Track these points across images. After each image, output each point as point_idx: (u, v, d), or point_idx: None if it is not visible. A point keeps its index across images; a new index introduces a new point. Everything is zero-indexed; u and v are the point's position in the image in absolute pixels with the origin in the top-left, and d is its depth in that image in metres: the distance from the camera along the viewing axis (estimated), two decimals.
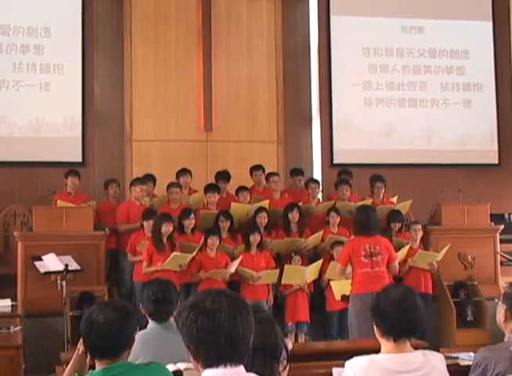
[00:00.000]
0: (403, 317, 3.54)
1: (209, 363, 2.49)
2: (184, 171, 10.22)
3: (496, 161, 13.23)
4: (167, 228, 8.60)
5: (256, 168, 10.54)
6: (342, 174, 10.96)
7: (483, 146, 13.15)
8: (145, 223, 8.97)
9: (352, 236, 8.90)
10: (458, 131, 13.05)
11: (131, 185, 9.89)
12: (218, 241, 8.79)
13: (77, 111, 11.65)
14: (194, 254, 8.60)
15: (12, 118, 11.40)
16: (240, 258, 8.71)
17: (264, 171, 10.53)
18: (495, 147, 13.24)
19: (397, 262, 8.08)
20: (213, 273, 8.59)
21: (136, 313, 3.71)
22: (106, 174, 11.04)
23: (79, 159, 11.52)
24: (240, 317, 2.49)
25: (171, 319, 4.52)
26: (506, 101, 13.39)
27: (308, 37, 12.93)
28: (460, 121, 13.08)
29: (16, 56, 11.54)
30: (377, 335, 3.63)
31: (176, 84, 12.23)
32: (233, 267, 8.63)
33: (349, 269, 8.11)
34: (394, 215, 9.63)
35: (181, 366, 3.68)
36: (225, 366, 2.48)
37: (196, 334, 2.48)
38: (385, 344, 3.58)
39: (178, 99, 12.21)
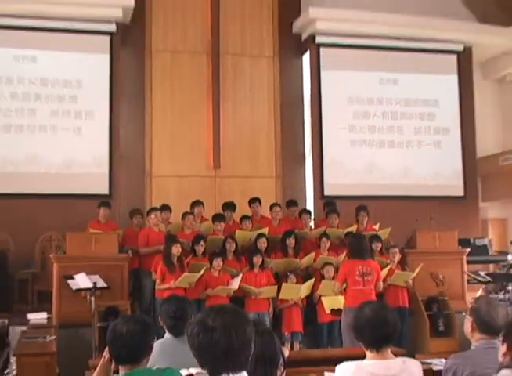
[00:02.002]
0: (377, 333, 3.49)
1: (214, 372, 2.48)
2: (197, 203, 10.20)
3: (462, 194, 13.26)
4: (176, 249, 8.60)
5: (253, 201, 10.52)
6: (327, 205, 10.96)
7: (451, 181, 13.18)
8: None
9: (341, 257, 8.98)
10: (429, 169, 13.08)
11: (147, 214, 9.89)
12: (221, 263, 8.79)
13: (104, 151, 11.67)
14: (202, 273, 8.57)
15: (49, 157, 11.43)
16: (240, 275, 8.71)
17: (260, 203, 10.49)
18: (461, 182, 13.28)
19: (381, 282, 8.20)
20: (218, 290, 8.57)
21: (154, 326, 3.69)
22: (129, 205, 11.02)
23: (106, 192, 11.51)
24: (236, 332, 2.47)
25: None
26: (470, 143, 13.46)
27: (302, 88, 13.01)
28: (431, 160, 13.11)
29: (53, 104, 11.58)
30: (362, 347, 3.59)
31: (189, 128, 12.29)
32: (235, 284, 8.62)
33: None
34: (374, 237, 9.61)
35: (193, 370, 3.64)
36: (228, 374, 2.46)
37: (198, 347, 2.48)
38: (369, 353, 3.55)
39: (192, 141, 12.25)
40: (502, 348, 3.20)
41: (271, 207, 10.39)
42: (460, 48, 13.47)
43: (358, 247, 7.97)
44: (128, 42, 12.14)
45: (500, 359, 3.21)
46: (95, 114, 11.71)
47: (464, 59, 13.56)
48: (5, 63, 11.46)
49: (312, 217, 10.76)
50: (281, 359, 3.18)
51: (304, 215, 10.38)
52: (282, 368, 3.18)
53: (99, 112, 11.73)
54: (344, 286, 7.97)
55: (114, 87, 11.84)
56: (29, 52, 11.56)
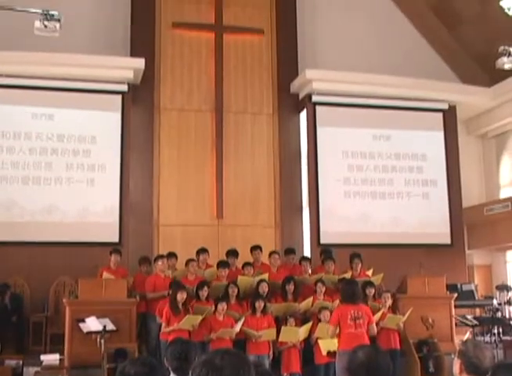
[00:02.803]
0: None
1: None
2: (203, 250, 10.15)
3: (449, 242, 13.23)
4: (181, 296, 8.56)
5: (255, 248, 10.49)
6: (324, 252, 10.93)
7: (438, 230, 13.16)
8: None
9: (336, 302, 8.89)
10: (418, 218, 13.07)
11: (154, 260, 9.85)
12: (226, 307, 8.73)
13: (115, 201, 11.70)
14: (204, 315, 8.52)
15: (64, 207, 11.46)
16: (243, 319, 8.65)
17: (261, 250, 10.46)
18: (448, 231, 13.25)
19: (374, 325, 8.07)
20: (221, 333, 8.48)
21: (160, 367, 3.65)
22: (138, 252, 10.99)
23: (116, 240, 11.48)
24: (243, 372, 2.43)
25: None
26: (456, 194, 13.48)
27: (299, 143, 13.09)
28: (420, 210, 13.12)
29: (68, 158, 11.67)
30: None
31: (195, 180, 12.34)
32: (237, 327, 8.55)
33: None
34: (368, 283, 9.56)
35: None
36: None
37: None
38: None
39: (196, 192, 12.29)
40: None
41: (270, 255, 10.37)
42: (446, 106, 13.61)
43: (350, 292, 7.91)
44: (138, 101, 12.27)
45: None
46: (107, 167, 11.78)
47: (449, 117, 13.68)
48: (24, 120, 11.58)
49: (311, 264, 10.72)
50: None
51: (303, 261, 10.35)
52: None
53: (110, 165, 11.80)
54: (338, 330, 7.90)
55: (125, 142, 11.93)
56: (47, 110, 11.69)
